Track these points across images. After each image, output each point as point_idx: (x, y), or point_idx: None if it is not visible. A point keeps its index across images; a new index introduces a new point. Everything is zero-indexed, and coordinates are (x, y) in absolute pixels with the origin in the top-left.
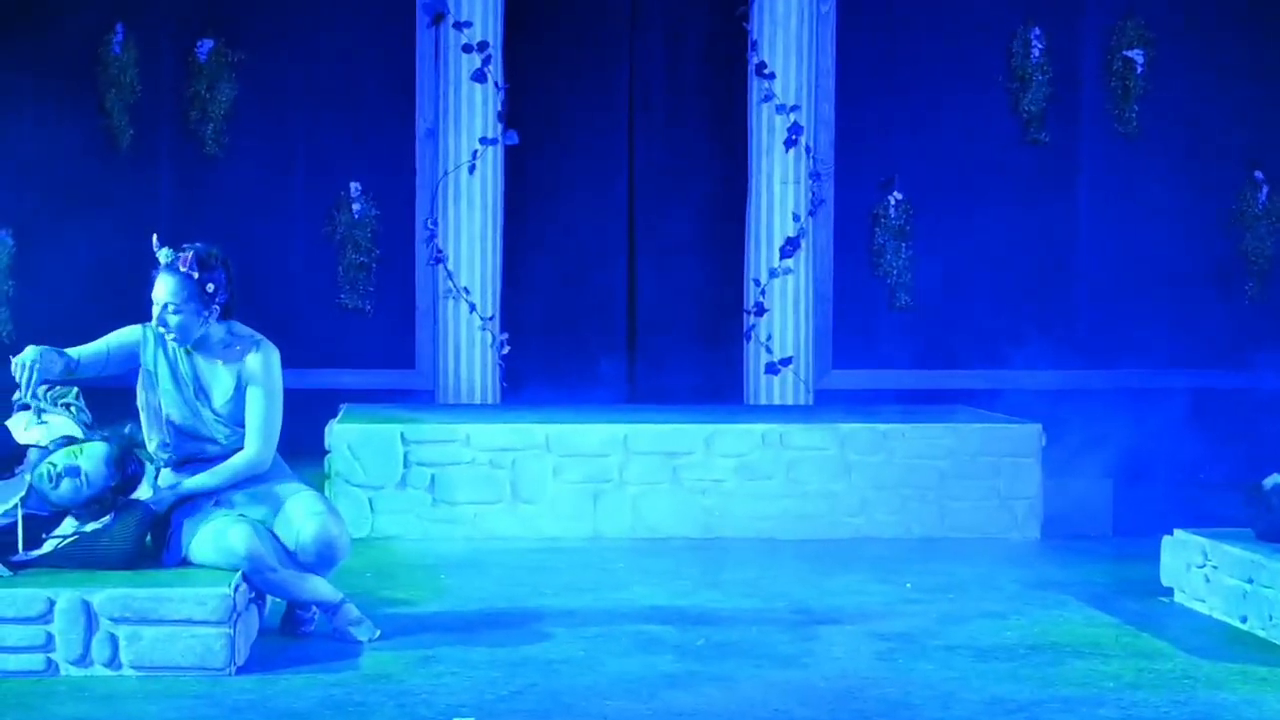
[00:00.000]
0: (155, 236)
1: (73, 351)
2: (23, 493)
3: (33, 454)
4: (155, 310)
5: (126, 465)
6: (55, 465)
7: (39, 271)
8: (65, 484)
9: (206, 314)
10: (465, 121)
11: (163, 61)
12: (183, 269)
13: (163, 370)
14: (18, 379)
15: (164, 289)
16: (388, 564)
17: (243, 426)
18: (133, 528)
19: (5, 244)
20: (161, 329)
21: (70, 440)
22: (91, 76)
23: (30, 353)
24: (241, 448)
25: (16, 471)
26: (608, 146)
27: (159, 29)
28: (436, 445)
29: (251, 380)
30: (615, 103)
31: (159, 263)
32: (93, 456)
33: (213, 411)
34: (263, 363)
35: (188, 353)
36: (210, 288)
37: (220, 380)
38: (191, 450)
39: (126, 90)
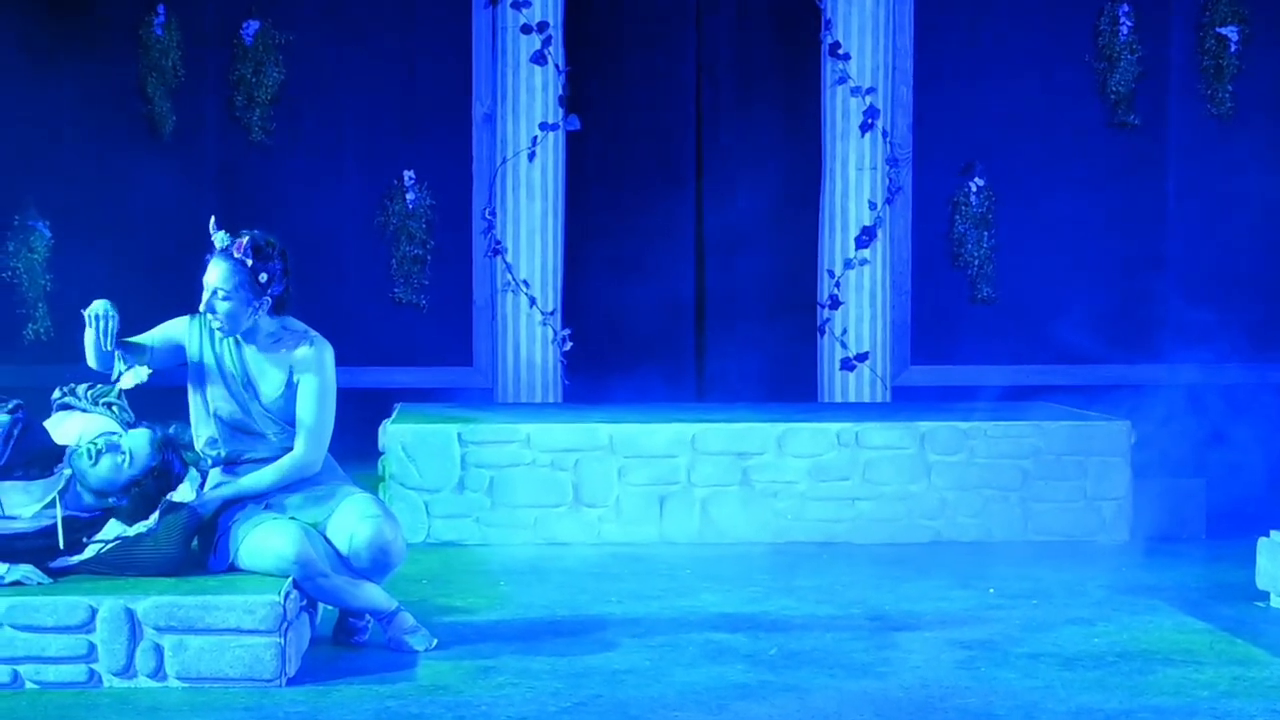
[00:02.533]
0: (213, 219)
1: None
2: (60, 485)
3: (71, 450)
4: (205, 295)
5: (167, 450)
6: (95, 444)
7: (78, 265)
8: (105, 461)
9: (257, 304)
10: (524, 106)
11: (206, 44)
12: (236, 255)
13: (209, 362)
14: (97, 329)
15: (215, 274)
16: (445, 570)
17: (293, 425)
18: (178, 532)
19: (42, 236)
20: (209, 315)
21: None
22: (132, 60)
23: (101, 304)
24: (291, 447)
25: (55, 470)
26: (674, 131)
27: (202, 9)
28: (495, 446)
29: (303, 378)
30: (682, 85)
31: (213, 246)
32: (135, 436)
33: (262, 406)
34: (315, 359)
35: (236, 344)
36: (263, 278)
37: (270, 375)
38: (240, 448)
39: (168, 74)
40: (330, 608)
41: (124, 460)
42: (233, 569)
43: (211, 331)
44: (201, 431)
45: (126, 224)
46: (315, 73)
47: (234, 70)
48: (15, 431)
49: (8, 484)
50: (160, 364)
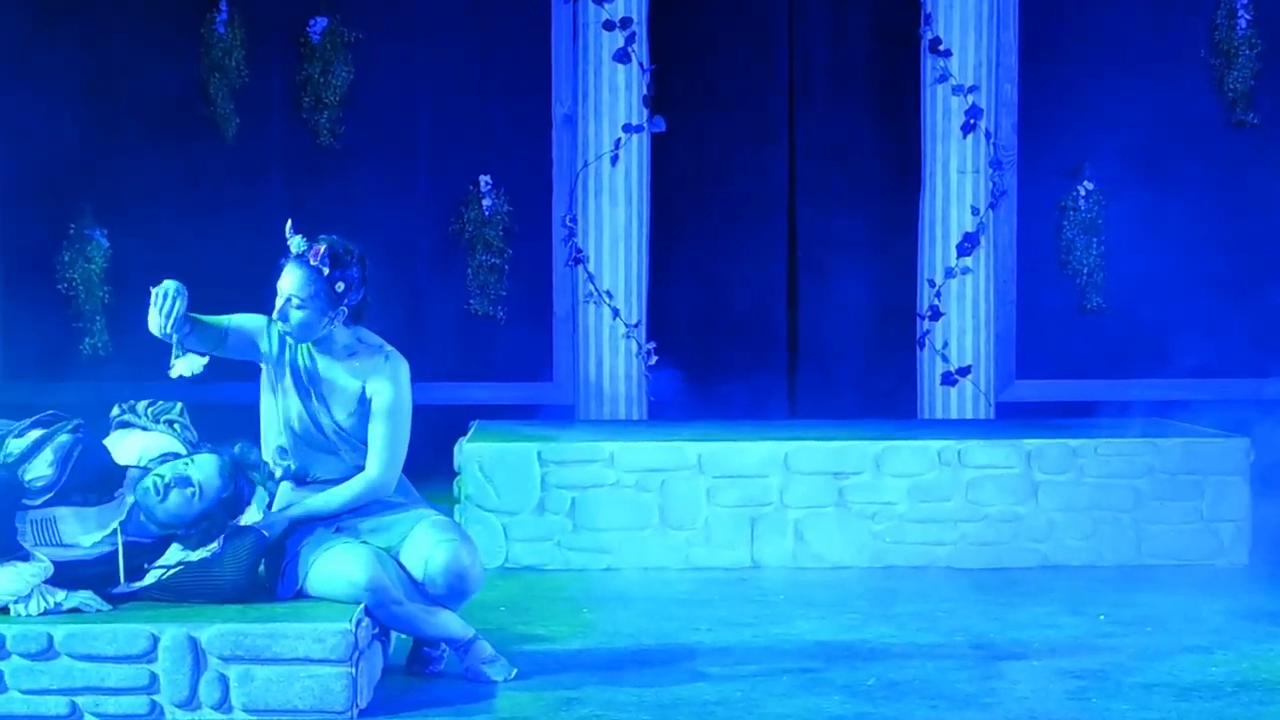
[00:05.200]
0: (289, 223)
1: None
2: (122, 516)
3: (133, 473)
4: (278, 302)
5: (238, 477)
6: (163, 476)
7: (137, 276)
8: (174, 496)
9: (332, 314)
10: (607, 107)
11: (271, 42)
12: (313, 262)
13: (284, 369)
14: (159, 308)
15: (290, 281)
16: (524, 596)
17: (365, 444)
18: (244, 557)
19: (100, 246)
20: (281, 323)
21: (173, 457)
22: (193, 60)
23: (170, 284)
24: (363, 466)
25: (116, 495)
26: (765, 133)
27: (267, 6)
28: (577, 466)
29: (377, 395)
30: (773, 84)
31: (289, 250)
32: (204, 466)
33: (334, 422)
34: (390, 375)
35: (310, 356)
36: (340, 286)
37: (342, 391)
38: (309, 461)
39: (232, 74)
40: (404, 636)
41: (194, 493)
42: (301, 595)
43: (287, 341)
44: (272, 440)
45: (188, 232)
46: (386, 72)
47: (301, 70)
48: (75, 453)
49: (66, 509)
50: (230, 353)
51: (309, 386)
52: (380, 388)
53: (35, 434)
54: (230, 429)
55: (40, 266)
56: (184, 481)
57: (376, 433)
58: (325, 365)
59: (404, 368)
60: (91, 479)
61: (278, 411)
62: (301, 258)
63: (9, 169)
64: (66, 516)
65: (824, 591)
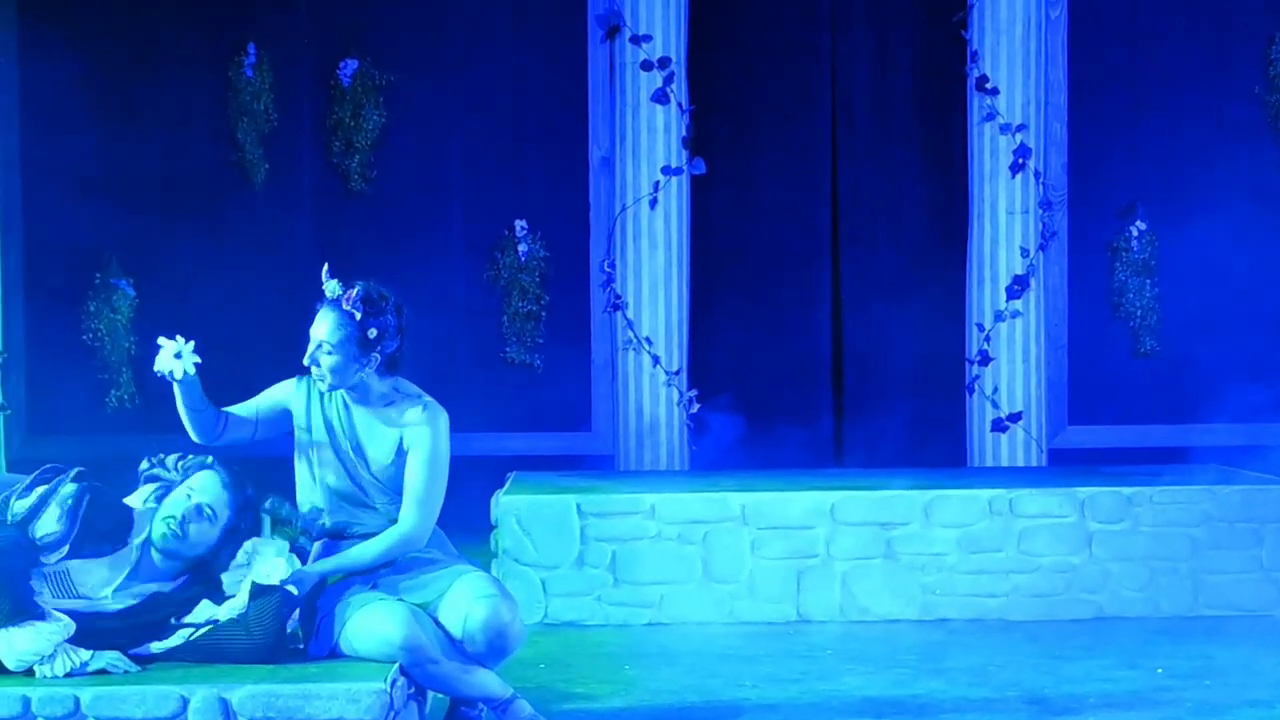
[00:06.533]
0: (326, 266)
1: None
2: (134, 556)
3: (140, 514)
4: (310, 347)
5: (245, 485)
6: (174, 517)
7: (164, 326)
8: (193, 529)
9: (364, 361)
10: (645, 148)
11: (301, 86)
12: (345, 306)
13: (318, 425)
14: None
15: (323, 325)
16: (564, 653)
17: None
18: (269, 617)
19: (126, 295)
20: (313, 369)
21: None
22: (221, 104)
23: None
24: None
25: (129, 541)
26: (808, 173)
27: (296, 48)
28: (617, 518)
29: (414, 445)
30: (816, 124)
31: (324, 295)
32: (206, 488)
33: (371, 475)
34: (428, 426)
35: (346, 407)
36: (372, 333)
37: (379, 441)
38: (347, 519)
39: (260, 119)
40: (440, 696)
41: (210, 515)
42: (335, 654)
43: (321, 393)
44: (307, 501)
45: (216, 280)
46: (418, 115)
47: (331, 113)
48: (84, 502)
49: (79, 562)
50: (265, 434)
51: (345, 439)
52: (418, 438)
53: (39, 490)
54: (268, 485)
55: (65, 317)
56: (197, 512)
57: (412, 484)
58: (361, 417)
59: (443, 418)
60: (104, 528)
61: (314, 469)
62: (335, 302)
63: (33, 218)
64: (80, 568)
65: (872, 646)
